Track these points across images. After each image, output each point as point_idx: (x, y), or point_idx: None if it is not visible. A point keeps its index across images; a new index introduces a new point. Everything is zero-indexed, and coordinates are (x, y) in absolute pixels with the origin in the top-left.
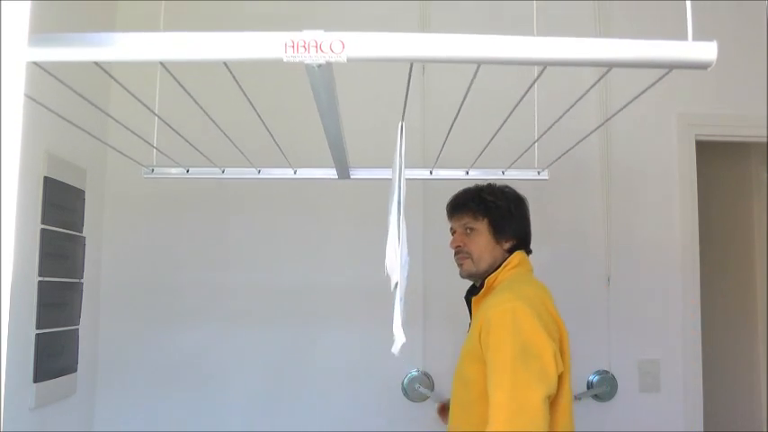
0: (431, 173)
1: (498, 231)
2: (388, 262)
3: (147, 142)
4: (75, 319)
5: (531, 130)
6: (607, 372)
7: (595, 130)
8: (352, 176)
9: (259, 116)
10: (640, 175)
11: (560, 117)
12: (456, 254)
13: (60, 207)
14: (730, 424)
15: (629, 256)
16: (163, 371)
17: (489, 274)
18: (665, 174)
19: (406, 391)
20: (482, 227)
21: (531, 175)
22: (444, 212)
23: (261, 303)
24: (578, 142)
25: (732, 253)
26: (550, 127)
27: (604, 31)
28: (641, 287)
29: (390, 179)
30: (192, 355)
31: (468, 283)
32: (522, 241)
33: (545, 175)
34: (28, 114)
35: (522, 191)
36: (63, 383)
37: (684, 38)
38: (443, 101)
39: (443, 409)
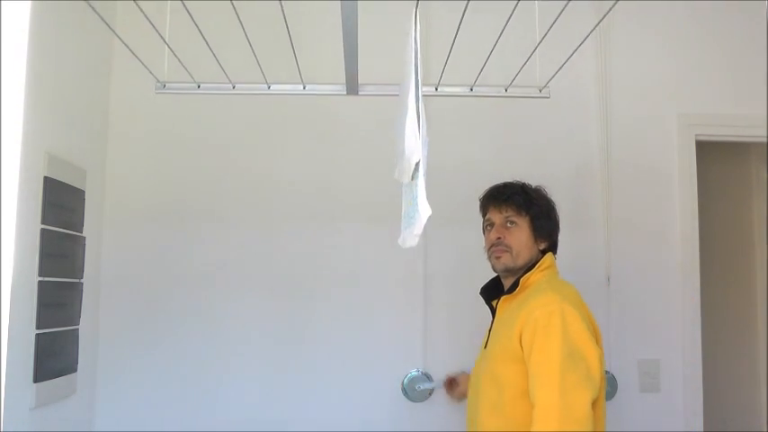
0: (436, 89)
1: (537, 230)
2: (407, 143)
3: (160, 36)
4: (75, 319)
5: (534, 59)
6: (607, 372)
7: (591, 32)
8: (360, 93)
9: (289, 33)
10: (640, 175)
11: (557, 16)
12: (493, 246)
13: (60, 207)
14: (730, 424)
15: (629, 256)
16: (163, 371)
17: (523, 273)
18: (665, 174)
19: (406, 391)
20: (524, 223)
21: (532, 92)
22: (442, 213)
23: (261, 309)
24: (574, 51)
25: (732, 253)
26: (548, 30)
27: None
28: (641, 287)
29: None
30: (192, 355)
31: (481, 282)
32: (553, 245)
33: (546, 92)
34: (28, 114)
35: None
36: (63, 383)
37: None
38: (447, 36)
39: (451, 383)
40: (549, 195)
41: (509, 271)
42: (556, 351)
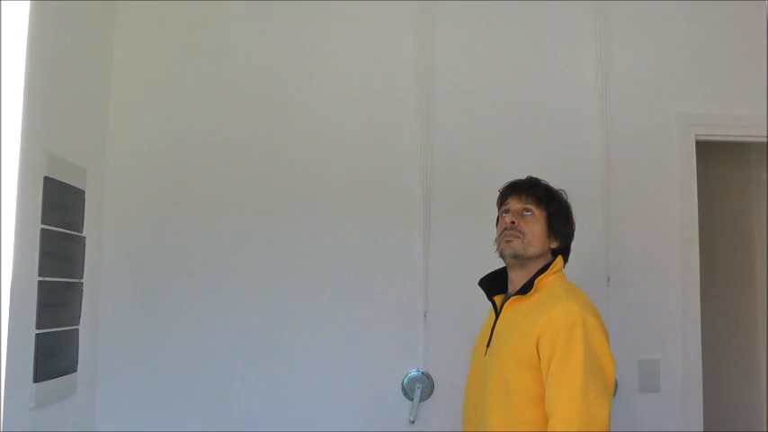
0: None
1: (552, 227)
2: None
3: None
4: (75, 319)
5: None
6: None
7: None
8: None
9: None
10: (640, 175)
11: None
12: (506, 230)
13: (60, 207)
14: (730, 424)
15: (629, 256)
16: (163, 371)
17: (537, 274)
18: (665, 174)
19: (406, 391)
20: (540, 216)
21: None
22: (444, 211)
23: (261, 309)
24: None
25: (732, 253)
26: None
27: None
28: (641, 287)
29: None
30: (191, 355)
31: (477, 276)
32: (565, 249)
33: None
34: (28, 114)
35: None
36: (63, 383)
37: None
38: None
39: None
40: (568, 202)
41: (517, 258)
42: (579, 363)
